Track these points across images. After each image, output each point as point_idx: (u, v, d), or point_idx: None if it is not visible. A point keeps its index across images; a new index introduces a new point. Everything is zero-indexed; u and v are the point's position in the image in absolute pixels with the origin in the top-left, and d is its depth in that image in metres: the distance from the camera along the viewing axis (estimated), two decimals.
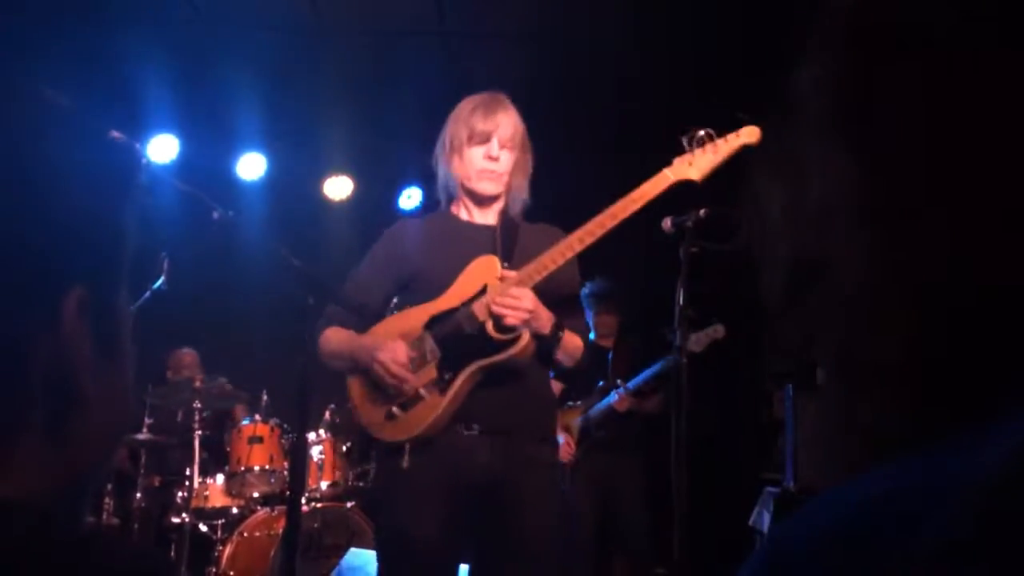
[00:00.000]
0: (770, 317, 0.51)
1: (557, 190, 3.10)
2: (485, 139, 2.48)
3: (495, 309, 2.31)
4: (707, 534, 4.06)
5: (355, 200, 6.48)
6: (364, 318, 2.51)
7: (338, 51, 5.50)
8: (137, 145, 1.99)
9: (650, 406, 4.77)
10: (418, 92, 5.59)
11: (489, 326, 2.36)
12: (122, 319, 0.60)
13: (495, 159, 2.48)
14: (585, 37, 5.15)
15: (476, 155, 2.49)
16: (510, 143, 2.50)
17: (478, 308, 2.38)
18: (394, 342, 2.40)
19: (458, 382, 2.36)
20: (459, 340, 2.38)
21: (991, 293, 0.38)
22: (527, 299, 2.31)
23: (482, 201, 2.56)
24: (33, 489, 0.53)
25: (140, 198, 0.62)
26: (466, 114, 2.51)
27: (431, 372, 2.39)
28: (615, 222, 2.33)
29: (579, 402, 4.86)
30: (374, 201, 6.35)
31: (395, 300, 2.64)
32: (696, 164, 2.37)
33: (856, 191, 0.44)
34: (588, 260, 2.52)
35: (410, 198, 6.44)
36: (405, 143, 5.60)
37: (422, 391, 2.37)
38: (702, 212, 2.56)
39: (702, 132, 2.37)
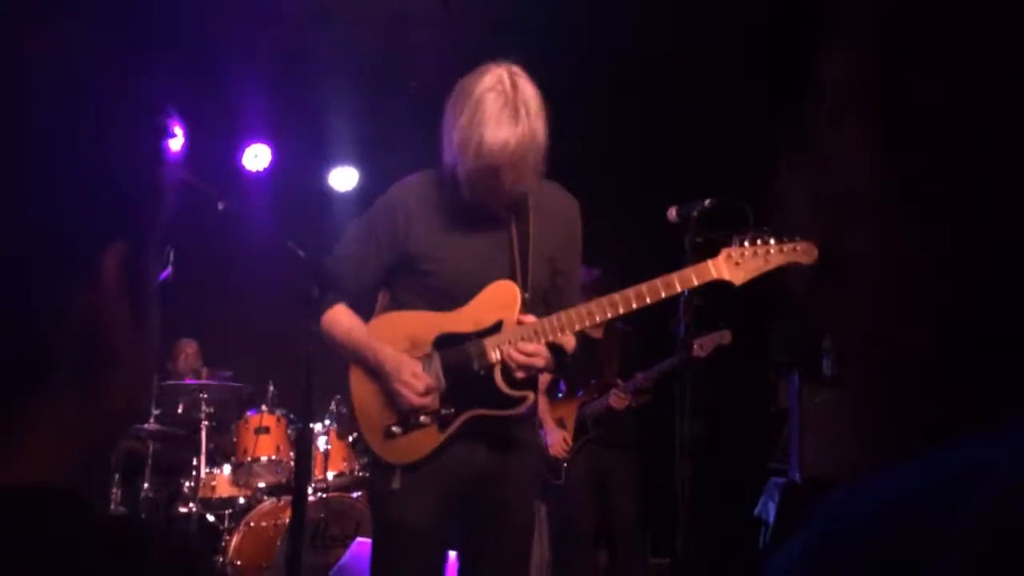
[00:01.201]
0: (793, 308, 0.51)
1: (561, 178, 3.09)
2: (492, 162, 2.22)
3: (508, 363, 2.29)
4: (713, 524, 4.07)
5: (360, 191, 6.48)
6: (357, 295, 2.45)
7: (343, 41, 5.49)
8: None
9: (643, 399, 4.79)
10: (423, 82, 5.59)
11: (498, 374, 2.33)
12: (152, 282, 0.60)
13: (501, 183, 2.26)
14: (589, 26, 5.14)
15: (481, 174, 2.26)
16: (520, 160, 2.24)
17: (490, 347, 2.33)
18: (414, 371, 2.32)
19: (457, 423, 2.34)
20: (465, 374, 2.34)
21: (1019, 280, 0.38)
22: (541, 358, 2.31)
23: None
24: (61, 452, 0.53)
25: (174, 162, 0.62)
26: (480, 124, 2.21)
27: (435, 401, 2.36)
28: (642, 303, 2.28)
29: (580, 393, 4.87)
30: (379, 192, 6.35)
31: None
32: (743, 266, 2.29)
33: (883, 182, 0.44)
34: (583, 248, 2.49)
35: None
36: (410, 134, 5.59)
37: (423, 418, 2.34)
38: (708, 202, 2.55)
39: (755, 232, 2.26)
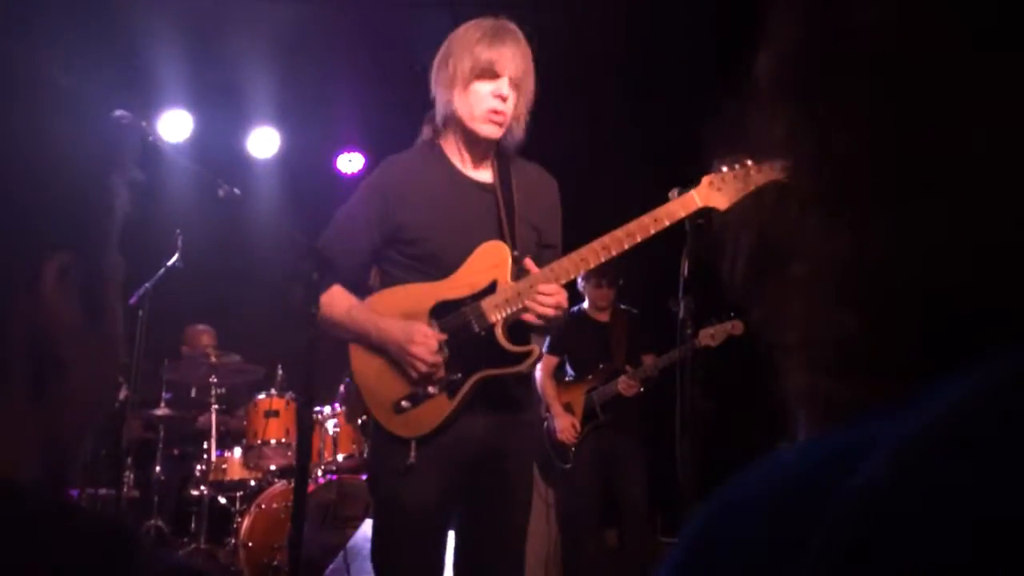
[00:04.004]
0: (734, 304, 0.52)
1: (565, 156, 3.08)
2: (493, 74, 2.31)
3: (536, 307, 2.27)
4: None
5: (367, 174, 6.49)
6: (352, 274, 2.44)
7: (349, 23, 5.48)
8: (132, 118, 1.98)
9: (652, 385, 4.79)
10: (429, 64, 5.57)
11: (499, 331, 2.33)
12: (109, 283, 0.60)
13: (503, 99, 2.32)
14: (594, 5, 5.12)
15: (482, 92, 2.32)
16: (518, 79, 2.34)
17: (488, 308, 2.33)
18: (424, 331, 2.31)
19: (466, 387, 2.33)
20: (467, 339, 2.33)
21: (941, 272, 0.39)
22: (563, 297, 2.33)
23: (479, 143, 2.42)
24: (14, 450, 0.54)
25: (130, 165, 0.62)
26: (472, 42, 2.33)
27: (441, 369, 2.34)
28: (634, 242, 2.30)
29: (589, 376, 4.88)
30: None
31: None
32: (726, 190, 2.32)
33: (807, 173, 0.45)
34: (587, 229, 2.51)
35: None
36: (417, 116, 5.59)
37: (431, 389, 2.33)
38: None
39: (733, 157, 2.29)
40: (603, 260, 2.33)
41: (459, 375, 2.34)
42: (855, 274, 0.42)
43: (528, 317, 2.30)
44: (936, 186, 0.39)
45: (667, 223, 2.31)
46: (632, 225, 2.31)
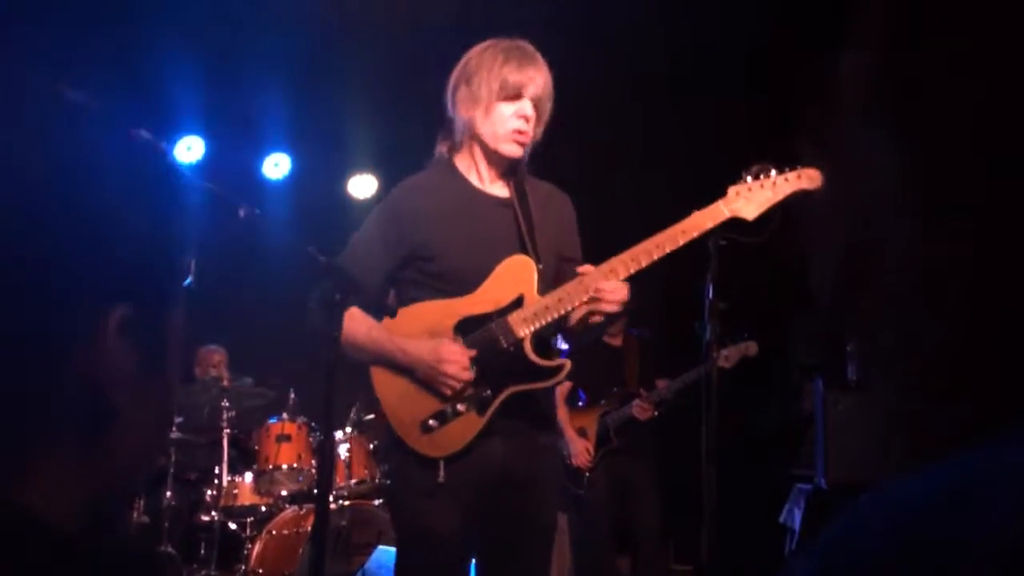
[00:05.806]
0: (817, 311, 0.50)
1: (583, 181, 3.07)
2: (516, 95, 2.33)
3: (603, 294, 2.24)
4: (737, 531, 4.02)
5: (380, 199, 6.50)
6: (371, 295, 2.39)
7: (363, 49, 5.51)
8: (152, 137, 1.98)
9: (666, 409, 4.76)
10: (443, 91, 5.59)
11: (528, 346, 2.30)
12: (170, 336, 0.61)
13: (527, 119, 2.33)
14: (613, 28, 5.13)
15: (505, 113, 2.33)
16: (540, 101, 2.36)
17: (516, 322, 2.30)
18: (454, 348, 2.28)
19: (496, 403, 2.29)
20: (494, 354, 2.30)
21: None
22: (627, 293, 2.30)
23: (499, 162, 2.42)
24: (65, 495, 0.54)
25: (195, 221, 0.63)
26: (497, 64, 2.33)
27: (469, 386, 2.30)
28: (662, 253, 2.28)
29: (602, 401, 4.84)
30: None
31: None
32: (753, 200, 2.31)
33: (905, 182, 0.43)
34: (603, 253, 2.49)
35: None
36: (430, 142, 5.59)
37: (460, 407, 2.29)
38: None
39: (758, 167, 2.30)
40: (632, 271, 2.30)
41: (488, 392, 2.30)
42: (951, 283, 0.39)
43: (594, 318, 2.28)
44: None
45: (695, 235, 2.30)
46: (659, 237, 2.29)
